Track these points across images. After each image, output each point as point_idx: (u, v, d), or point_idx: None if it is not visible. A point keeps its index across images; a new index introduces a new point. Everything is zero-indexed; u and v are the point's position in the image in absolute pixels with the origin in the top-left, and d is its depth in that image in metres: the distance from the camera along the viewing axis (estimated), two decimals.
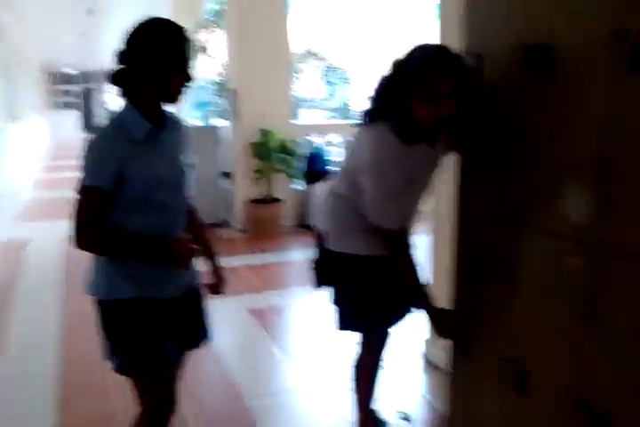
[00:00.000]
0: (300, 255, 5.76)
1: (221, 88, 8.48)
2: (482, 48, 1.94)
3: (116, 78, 1.87)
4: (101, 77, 25.87)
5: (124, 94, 1.88)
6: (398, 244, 2.21)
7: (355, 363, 2.59)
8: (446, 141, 2.16)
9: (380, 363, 2.56)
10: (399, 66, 1.97)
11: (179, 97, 1.88)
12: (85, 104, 27.49)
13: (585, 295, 1.60)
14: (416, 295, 2.22)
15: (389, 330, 2.48)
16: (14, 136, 11.85)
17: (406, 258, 2.20)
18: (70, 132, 25.09)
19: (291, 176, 6.87)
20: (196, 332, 2.17)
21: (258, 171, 6.75)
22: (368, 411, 2.63)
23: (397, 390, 3.22)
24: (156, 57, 1.77)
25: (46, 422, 2.96)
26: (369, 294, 2.34)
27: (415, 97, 1.92)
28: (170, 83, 1.82)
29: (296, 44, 7.76)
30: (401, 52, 2.00)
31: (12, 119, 11.76)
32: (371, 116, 2.12)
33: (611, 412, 1.55)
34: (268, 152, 6.61)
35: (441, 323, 2.21)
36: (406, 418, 2.95)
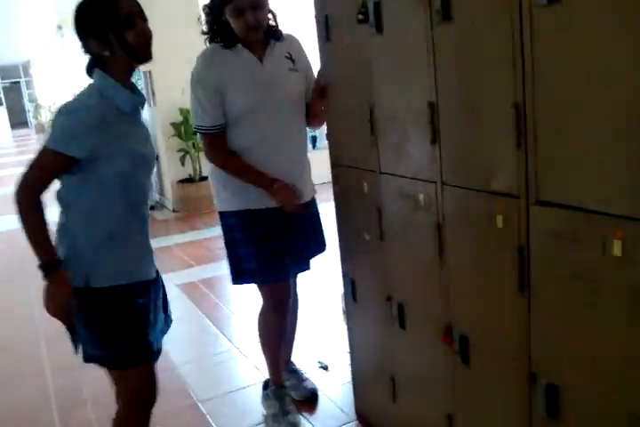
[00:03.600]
0: None
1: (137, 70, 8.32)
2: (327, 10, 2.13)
3: (87, 65, 1.83)
4: (25, 71, 25.18)
5: (92, 68, 1.82)
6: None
7: (258, 318, 2.65)
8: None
9: (282, 318, 2.60)
10: None
11: (145, 51, 1.79)
12: (11, 100, 26.66)
13: (438, 232, 1.76)
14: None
15: (281, 281, 2.51)
16: None
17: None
18: None
19: None
20: (165, 315, 2.08)
21: (181, 150, 6.80)
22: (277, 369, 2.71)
23: (318, 342, 3.38)
24: (97, 17, 1.72)
25: None
26: (243, 246, 2.44)
27: (225, 15, 2.24)
28: (125, 39, 1.73)
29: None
30: None
31: None
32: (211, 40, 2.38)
33: (469, 335, 1.72)
34: (189, 131, 6.65)
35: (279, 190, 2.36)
36: (324, 367, 3.11)
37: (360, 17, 1.86)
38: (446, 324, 1.80)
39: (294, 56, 2.40)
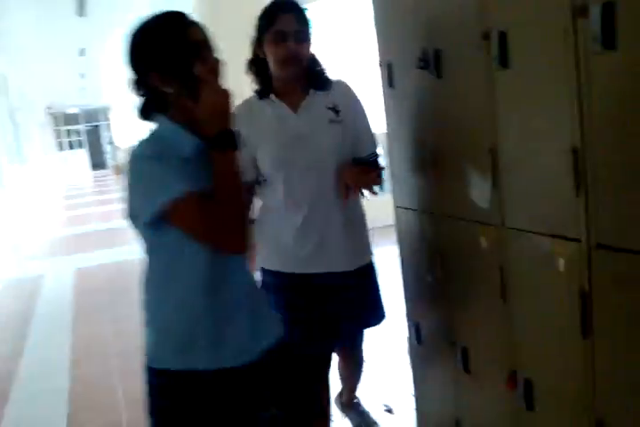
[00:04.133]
0: None
1: None
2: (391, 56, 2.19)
3: (143, 106, 1.57)
4: (105, 114, 26.46)
5: (152, 113, 1.57)
6: None
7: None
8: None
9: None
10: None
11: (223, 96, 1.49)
12: (92, 142, 27.97)
13: (501, 275, 1.75)
14: None
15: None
16: (24, 178, 12.20)
17: None
18: (79, 170, 25.52)
19: None
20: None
21: None
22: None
23: (384, 385, 3.36)
24: (163, 45, 1.47)
25: None
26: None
27: (265, 41, 2.07)
28: (193, 75, 1.46)
29: None
30: None
31: (20, 162, 12.15)
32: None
33: (532, 378, 1.70)
34: None
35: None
36: (389, 410, 3.08)
37: (421, 64, 1.91)
38: (510, 368, 1.78)
39: (340, 105, 2.14)
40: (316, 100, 2.13)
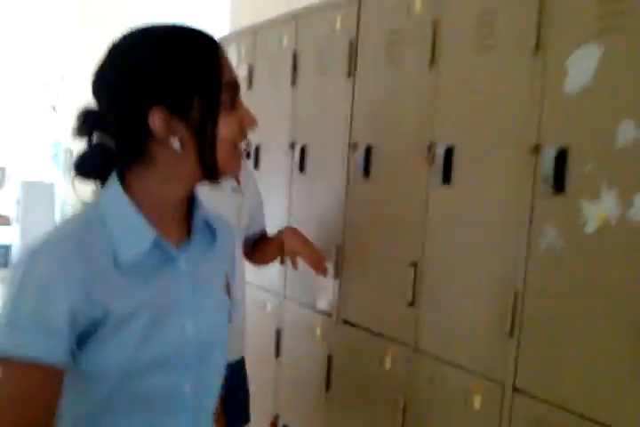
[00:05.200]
0: None
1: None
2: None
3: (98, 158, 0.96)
4: None
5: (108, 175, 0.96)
6: None
7: None
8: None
9: None
10: None
11: (235, 162, 0.98)
12: None
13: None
14: None
15: None
16: None
17: None
18: None
19: None
20: None
21: None
22: None
23: None
24: (186, 75, 0.91)
25: None
26: None
27: None
28: (216, 126, 0.92)
29: None
30: None
31: None
32: None
33: None
34: None
35: None
36: None
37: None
38: None
39: (240, 176, 1.84)
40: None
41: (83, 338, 0.88)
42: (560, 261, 1.28)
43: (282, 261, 1.98)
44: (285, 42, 2.14)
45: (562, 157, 1.28)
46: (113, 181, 0.95)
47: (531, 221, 1.34)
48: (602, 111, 1.23)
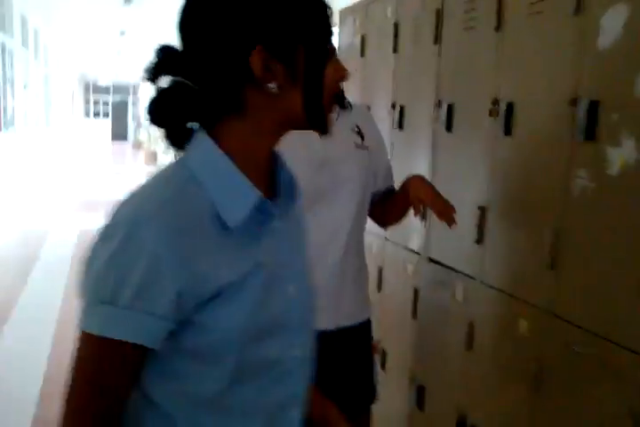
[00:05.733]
0: None
1: None
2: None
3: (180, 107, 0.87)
4: (134, 91, 26.81)
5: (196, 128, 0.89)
6: None
7: None
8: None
9: None
10: None
11: (329, 110, 0.92)
12: (117, 115, 28.31)
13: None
14: None
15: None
16: (48, 139, 12.78)
17: None
18: (101, 139, 25.93)
19: None
20: None
21: None
22: None
23: None
24: (302, 14, 0.85)
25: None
26: None
27: None
28: (324, 71, 0.87)
29: None
30: None
31: (47, 124, 12.95)
32: None
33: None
34: None
35: None
36: None
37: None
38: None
39: (364, 131, 1.76)
40: (340, 121, 1.64)
41: (194, 313, 0.83)
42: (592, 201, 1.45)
43: (424, 217, 1.77)
44: (389, 14, 2.39)
45: (594, 109, 1.43)
46: (203, 138, 0.86)
47: (568, 166, 1.50)
48: (626, 65, 1.37)
